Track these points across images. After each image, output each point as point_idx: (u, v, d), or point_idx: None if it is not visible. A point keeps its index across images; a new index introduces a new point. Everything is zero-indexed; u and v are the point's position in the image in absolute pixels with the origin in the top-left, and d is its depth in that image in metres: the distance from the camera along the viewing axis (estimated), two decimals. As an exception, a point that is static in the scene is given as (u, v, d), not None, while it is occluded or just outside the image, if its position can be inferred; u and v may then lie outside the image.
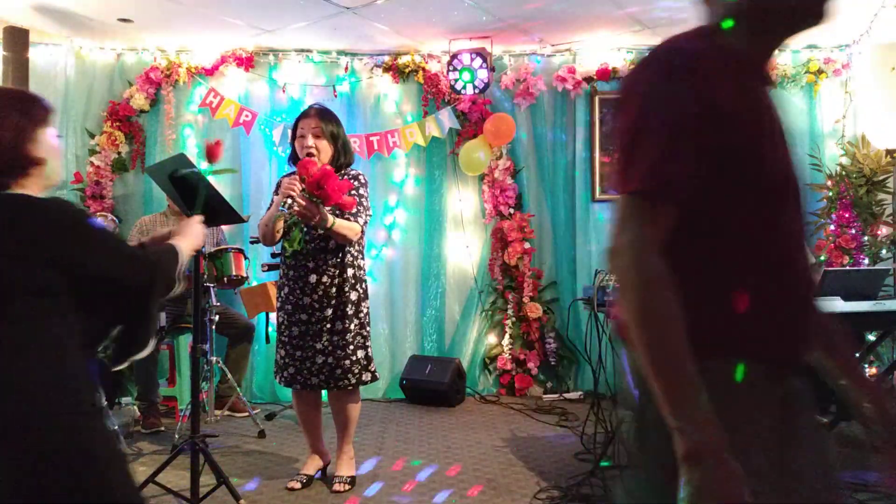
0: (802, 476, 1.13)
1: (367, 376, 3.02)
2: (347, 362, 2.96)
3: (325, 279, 2.95)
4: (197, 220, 2.02)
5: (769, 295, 1.09)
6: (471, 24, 4.63)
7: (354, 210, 2.93)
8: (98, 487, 1.42)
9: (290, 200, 2.82)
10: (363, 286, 3.08)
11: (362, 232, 3.05)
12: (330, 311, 2.96)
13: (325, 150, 2.97)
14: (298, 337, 2.99)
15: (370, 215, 3.07)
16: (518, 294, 5.06)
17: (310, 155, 2.93)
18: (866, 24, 4.57)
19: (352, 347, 2.97)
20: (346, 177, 3.00)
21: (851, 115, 5.03)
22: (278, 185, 3.11)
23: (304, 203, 2.73)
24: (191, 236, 1.89)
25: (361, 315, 3.04)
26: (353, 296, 3.01)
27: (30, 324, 1.43)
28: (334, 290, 2.96)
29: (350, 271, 3.00)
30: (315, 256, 2.96)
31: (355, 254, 3.04)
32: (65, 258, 1.47)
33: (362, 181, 3.05)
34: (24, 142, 1.53)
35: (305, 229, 2.90)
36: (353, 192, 2.96)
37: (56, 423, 1.40)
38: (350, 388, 3.00)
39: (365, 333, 3.05)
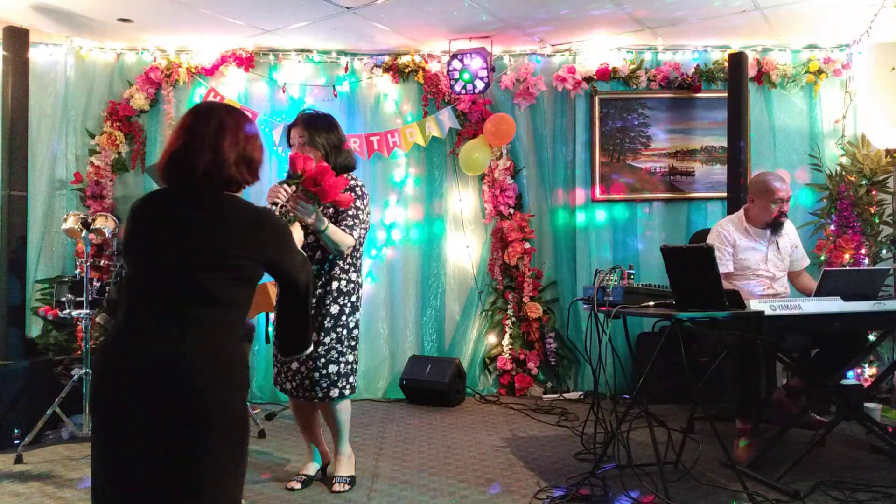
0: None
1: (334, 392, 2.95)
2: (316, 375, 2.93)
3: None
4: (297, 226, 2.43)
5: None
6: (471, 24, 4.64)
7: (351, 223, 2.89)
8: (243, 448, 1.76)
9: (274, 207, 2.71)
10: (351, 300, 3.01)
11: (359, 245, 3.01)
12: None
13: (313, 157, 2.91)
14: None
15: (366, 229, 3.02)
16: (518, 294, 5.06)
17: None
18: (866, 24, 4.57)
19: (323, 361, 2.93)
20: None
21: (851, 115, 5.03)
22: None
23: (299, 199, 2.64)
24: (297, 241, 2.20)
25: (341, 329, 2.97)
26: (334, 309, 2.95)
27: (240, 309, 1.74)
28: (313, 300, 2.93)
29: (335, 284, 2.96)
30: None
31: (345, 267, 2.99)
32: (274, 258, 1.80)
33: (359, 192, 2.97)
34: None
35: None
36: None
37: (242, 395, 1.73)
38: (316, 401, 2.98)
39: (342, 349, 2.97)
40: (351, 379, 3.02)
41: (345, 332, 2.99)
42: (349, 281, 3.01)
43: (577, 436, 3.77)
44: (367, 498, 2.98)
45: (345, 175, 3.02)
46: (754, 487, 2.88)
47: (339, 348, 2.97)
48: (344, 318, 2.98)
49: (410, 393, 4.83)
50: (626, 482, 2.90)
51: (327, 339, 2.94)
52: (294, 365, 2.97)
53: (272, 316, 4.48)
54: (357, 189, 2.99)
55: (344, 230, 2.87)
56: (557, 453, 3.59)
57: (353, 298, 3.03)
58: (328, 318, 2.95)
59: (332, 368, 2.94)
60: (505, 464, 3.43)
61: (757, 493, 2.81)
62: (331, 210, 2.94)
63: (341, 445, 3.13)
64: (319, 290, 2.94)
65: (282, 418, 4.42)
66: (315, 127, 2.99)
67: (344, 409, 3.05)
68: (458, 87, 4.83)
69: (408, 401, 4.86)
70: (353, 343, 3.04)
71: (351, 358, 3.01)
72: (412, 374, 4.80)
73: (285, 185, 2.76)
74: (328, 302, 2.95)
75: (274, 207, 2.73)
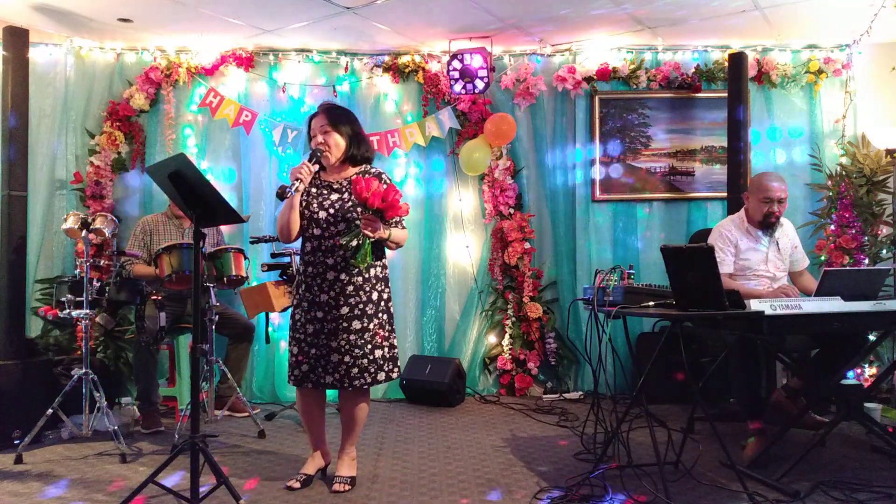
0: None
1: (381, 375, 3.01)
2: (365, 361, 2.96)
3: (343, 276, 2.95)
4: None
5: None
6: (471, 24, 4.64)
7: (397, 217, 2.98)
8: None
9: (297, 183, 2.88)
10: (388, 286, 3.09)
11: None
12: (346, 310, 2.95)
13: (337, 144, 3.01)
14: (313, 335, 2.99)
15: None
16: (518, 294, 5.06)
17: (320, 151, 2.98)
18: (866, 24, 4.57)
19: (370, 346, 2.97)
20: (367, 175, 3.02)
21: (851, 115, 5.03)
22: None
23: (370, 221, 2.79)
24: None
25: (382, 314, 3.03)
26: (375, 295, 3.01)
27: None
28: (351, 287, 2.95)
29: (373, 271, 3.01)
30: (334, 252, 2.96)
31: (379, 254, 3.05)
32: None
33: (387, 181, 3.05)
34: None
35: (354, 231, 2.90)
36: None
37: None
38: (365, 386, 3.00)
39: (385, 333, 3.03)
40: (397, 363, 3.09)
41: (385, 316, 3.05)
42: (384, 267, 3.09)
43: (577, 436, 3.77)
44: (366, 498, 2.98)
45: (367, 166, 3.11)
46: (754, 487, 2.88)
47: (383, 333, 3.02)
48: (383, 303, 3.04)
49: (410, 393, 4.83)
50: (626, 482, 2.90)
51: (371, 325, 2.98)
52: (334, 357, 2.95)
53: (272, 316, 4.49)
54: (384, 177, 3.06)
55: (395, 226, 2.99)
56: (557, 453, 3.59)
57: (388, 284, 3.10)
58: (370, 305, 2.98)
59: (378, 353, 2.99)
60: (505, 464, 3.43)
61: (757, 493, 2.81)
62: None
63: (349, 445, 3.15)
64: (358, 278, 2.96)
65: (282, 418, 4.42)
66: (337, 115, 3.06)
67: (365, 408, 3.12)
68: (457, 87, 4.84)
69: (408, 401, 4.86)
70: (392, 328, 3.10)
71: (395, 341, 3.10)
72: (412, 374, 4.80)
73: (307, 163, 2.92)
74: (367, 288, 2.98)
75: (297, 184, 2.88)
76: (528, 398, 4.92)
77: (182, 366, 4.77)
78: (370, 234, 2.81)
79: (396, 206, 2.81)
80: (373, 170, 3.09)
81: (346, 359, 2.95)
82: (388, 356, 3.04)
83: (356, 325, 2.95)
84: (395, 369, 3.08)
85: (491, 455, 3.58)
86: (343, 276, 2.96)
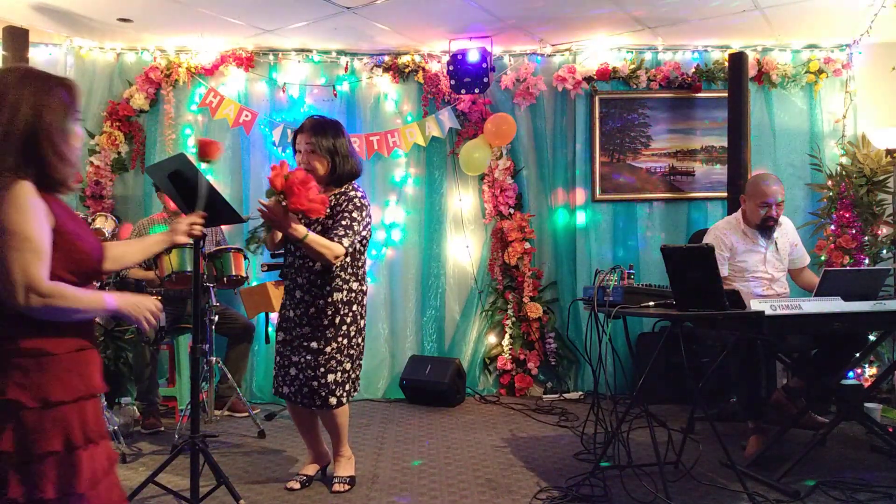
0: None
1: (332, 400, 2.92)
2: (315, 384, 2.91)
3: (307, 297, 2.93)
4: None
5: None
6: (471, 24, 4.63)
7: (342, 232, 2.83)
8: None
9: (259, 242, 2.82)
10: (352, 310, 2.97)
11: (357, 254, 2.97)
12: (307, 329, 2.93)
13: (321, 165, 2.94)
14: (280, 344, 3.03)
15: (365, 238, 3.00)
16: (518, 294, 5.05)
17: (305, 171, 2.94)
18: (866, 24, 4.57)
19: (323, 370, 2.91)
20: (343, 196, 2.94)
21: (851, 115, 5.03)
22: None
23: (267, 204, 2.62)
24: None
25: (342, 338, 2.94)
26: (337, 319, 2.93)
27: None
28: (313, 309, 2.92)
29: (338, 295, 2.93)
30: (301, 272, 2.95)
31: (346, 277, 2.95)
32: None
33: (357, 204, 2.92)
34: None
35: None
36: (344, 213, 2.87)
37: None
38: (314, 408, 2.97)
39: (341, 358, 2.94)
40: (348, 386, 2.99)
41: (345, 341, 2.96)
42: (350, 290, 2.97)
43: (577, 436, 3.77)
44: (366, 498, 2.98)
45: (351, 183, 3.01)
46: (754, 487, 2.88)
47: (339, 357, 2.94)
48: (345, 327, 2.96)
49: (410, 393, 4.83)
50: (626, 482, 2.90)
51: (328, 349, 2.92)
52: (293, 371, 2.96)
53: (272, 316, 4.49)
54: (356, 200, 2.94)
55: (332, 238, 2.80)
56: (557, 453, 3.59)
57: (355, 308, 3.00)
58: (330, 329, 2.93)
59: (331, 377, 2.92)
60: (505, 464, 3.42)
61: (757, 493, 2.81)
62: (330, 222, 2.92)
63: (340, 447, 3.13)
64: (320, 301, 2.92)
65: (282, 418, 4.41)
66: (323, 133, 2.95)
67: (341, 414, 3.04)
68: (457, 87, 4.83)
69: (408, 401, 4.86)
70: (353, 352, 3.00)
71: (349, 366, 2.98)
72: (412, 375, 4.80)
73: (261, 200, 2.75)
74: (330, 313, 2.92)
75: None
76: (528, 398, 4.92)
77: (182, 366, 4.77)
78: (268, 220, 2.64)
79: (299, 196, 2.56)
80: (352, 192, 2.96)
81: (301, 376, 2.94)
82: (340, 381, 2.94)
83: (313, 345, 2.91)
84: (345, 394, 2.97)
85: (491, 455, 3.58)
86: (307, 298, 2.93)
